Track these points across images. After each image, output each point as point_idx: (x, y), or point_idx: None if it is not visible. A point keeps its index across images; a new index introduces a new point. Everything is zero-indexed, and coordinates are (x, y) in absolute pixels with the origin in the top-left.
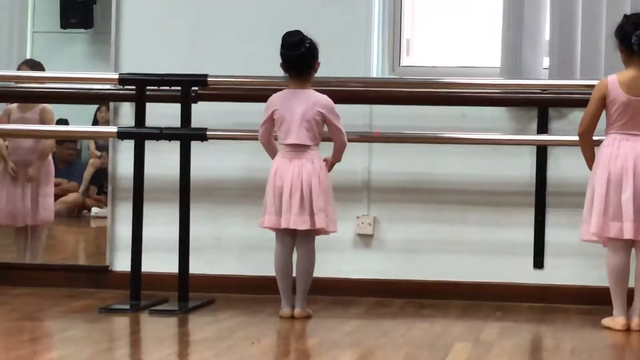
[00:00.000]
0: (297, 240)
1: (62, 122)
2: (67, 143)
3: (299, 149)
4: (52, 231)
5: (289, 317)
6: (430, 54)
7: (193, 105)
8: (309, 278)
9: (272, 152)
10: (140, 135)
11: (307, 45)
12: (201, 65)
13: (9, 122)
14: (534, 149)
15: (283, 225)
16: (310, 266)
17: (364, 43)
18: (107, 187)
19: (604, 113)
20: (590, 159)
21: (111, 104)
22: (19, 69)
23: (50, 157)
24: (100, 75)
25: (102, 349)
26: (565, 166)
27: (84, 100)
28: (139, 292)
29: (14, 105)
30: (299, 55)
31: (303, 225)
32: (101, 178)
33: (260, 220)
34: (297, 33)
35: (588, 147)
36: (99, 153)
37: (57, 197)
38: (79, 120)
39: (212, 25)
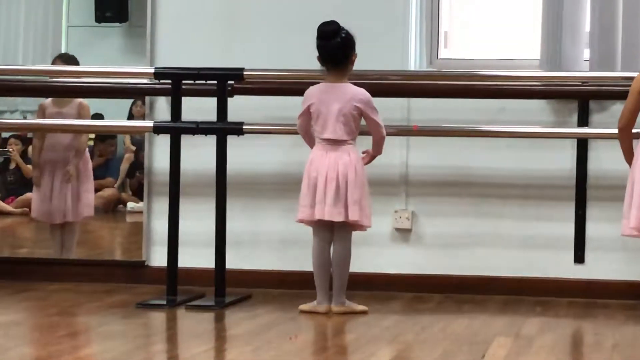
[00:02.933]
0: (334, 234)
1: (97, 116)
2: (109, 139)
3: (335, 143)
4: (88, 226)
5: (325, 313)
6: (469, 47)
7: (229, 100)
8: (345, 272)
9: (312, 142)
10: (176, 129)
11: (343, 35)
12: (237, 58)
13: (44, 118)
14: (575, 142)
15: (317, 217)
16: (346, 260)
17: (402, 36)
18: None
19: None
20: (629, 155)
21: (147, 99)
22: (53, 63)
23: (87, 153)
24: (136, 70)
25: (139, 345)
26: (606, 159)
27: (119, 95)
28: (176, 287)
29: (49, 100)
30: (334, 45)
31: (338, 216)
32: (136, 172)
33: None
34: (333, 23)
35: (627, 142)
36: (134, 147)
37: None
38: (115, 114)
39: (248, 18)
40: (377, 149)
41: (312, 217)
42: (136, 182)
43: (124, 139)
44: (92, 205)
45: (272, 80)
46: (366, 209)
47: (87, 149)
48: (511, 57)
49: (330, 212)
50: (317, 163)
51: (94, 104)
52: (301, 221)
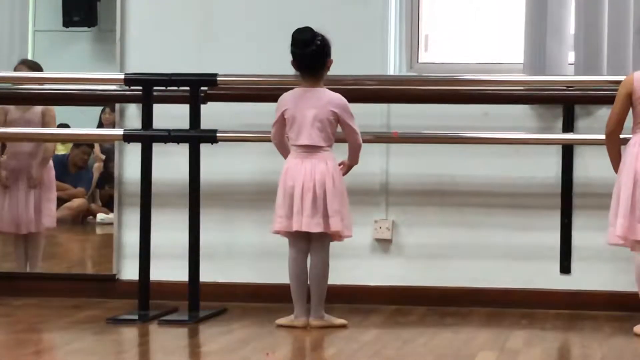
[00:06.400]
0: (311, 245)
1: (63, 127)
2: (84, 147)
3: (311, 149)
4: (57, 239)
5: (303, 327)
6: (450, 50)
7: (202, 106)
8: (323, 285)
9: (285, 152)
10: (147, 137)
11: (319, 42)
12: (210, 64)
13: (5, 122)
14: (560, 148)
15: (294, 228)
16: (324, 272)
17: (381, 39)
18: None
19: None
20: (616, 161)
21: (117, 106)
22: (15, 69)
23: (50, 162)
24: (105, 76)
25: None
26: (592, 166)
27: (88, 102)
28: (148, 301)
29: None
30: (310, 53)
31: (316, 227)
32: (105, 182)
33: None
34: (308, 30)
35: (615, 148)
36: (103, 157)
37: (62, 202)
38: (83, 122)
39: (222, 23)
40: (353, 158)
41: (289, 228)
42: (106, 192)
43: (94, 147)
44: (54, 216)
45: (247, 86)
46: (347, 219)
47: (51, 158)
48: (494, 60)
49: (307, 223)
50: (292, 172)
51: (61, 112)
52: (277, 232)
